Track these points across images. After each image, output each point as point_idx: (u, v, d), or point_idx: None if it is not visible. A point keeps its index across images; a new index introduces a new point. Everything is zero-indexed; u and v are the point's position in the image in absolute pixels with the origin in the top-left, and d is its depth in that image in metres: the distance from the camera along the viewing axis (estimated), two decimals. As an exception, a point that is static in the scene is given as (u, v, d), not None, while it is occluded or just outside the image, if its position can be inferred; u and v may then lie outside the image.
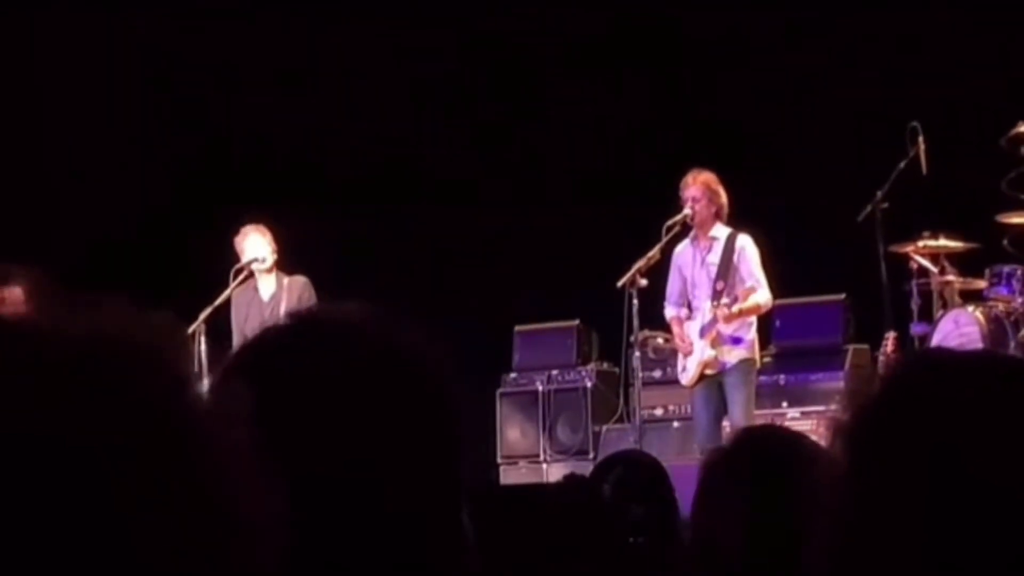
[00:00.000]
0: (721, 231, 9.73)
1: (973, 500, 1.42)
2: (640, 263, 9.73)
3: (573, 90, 12.67)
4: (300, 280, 10.39)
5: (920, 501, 1.44)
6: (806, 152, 11.76)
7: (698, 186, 9.66)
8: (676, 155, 10.40)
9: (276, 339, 1.68)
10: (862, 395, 1.54)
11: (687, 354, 9.71)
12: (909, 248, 10.35)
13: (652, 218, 9.91)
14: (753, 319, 9.74)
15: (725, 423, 9.53)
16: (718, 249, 9.70)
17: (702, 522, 2.78)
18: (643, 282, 9.77)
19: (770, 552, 2.32)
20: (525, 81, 12.87)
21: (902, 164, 10.18)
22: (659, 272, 9.91)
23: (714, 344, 9.59)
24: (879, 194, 10.19)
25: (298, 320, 1.74)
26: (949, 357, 1.59)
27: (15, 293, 7.22)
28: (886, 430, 1.48)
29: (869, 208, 10.19)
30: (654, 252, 9.76)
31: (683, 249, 9.83)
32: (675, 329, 9.87)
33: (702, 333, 9.64)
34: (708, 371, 9.59)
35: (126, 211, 12.60)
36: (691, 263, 9.80)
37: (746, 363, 9.61)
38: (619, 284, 9.76)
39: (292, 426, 1.55)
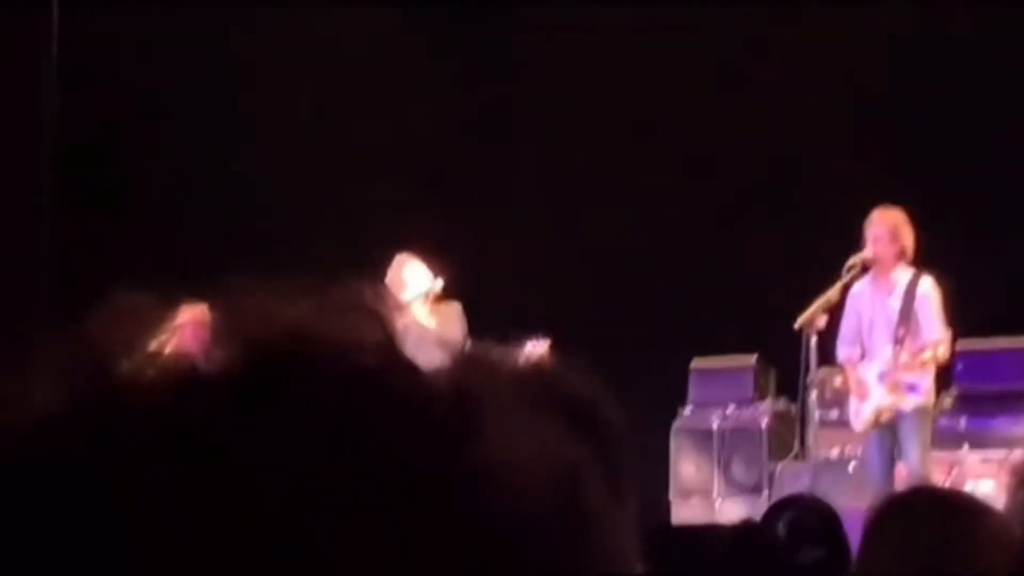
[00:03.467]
0: (903, 273, 9.57)
1: None
2: (820, 302, 9.59)
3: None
4: (456, 307, 9.65)
5: None
6: (994, 188, 11.54)
7: (882, 224, 9.47)
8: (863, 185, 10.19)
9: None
10: None
11: (862, 398, 9.60)
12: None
13: (828, 248, 9.74)
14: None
15: (901, 465, 9.40)
16: (899, 292, 9.54)
17: (864, 569, 2.79)
18: (822, 323, 9.63)
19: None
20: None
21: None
22: (837, 309, 9.77)
23: (892, 391, 9.48)
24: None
25: (467, 363, 1.73)
26: None
27: (199, 310, 5.73)
28: None
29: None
30: (833, 292, 9.59)
31: (861, 289, 9.67)
32: (848, 371, 9.76)
33: (881, 378, 9.50)
34: (883, 417, 9.47)
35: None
36: (869, 305, 9.65)
37: (921, 410, 9.47)
38: (796, 326, 9.63)
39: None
